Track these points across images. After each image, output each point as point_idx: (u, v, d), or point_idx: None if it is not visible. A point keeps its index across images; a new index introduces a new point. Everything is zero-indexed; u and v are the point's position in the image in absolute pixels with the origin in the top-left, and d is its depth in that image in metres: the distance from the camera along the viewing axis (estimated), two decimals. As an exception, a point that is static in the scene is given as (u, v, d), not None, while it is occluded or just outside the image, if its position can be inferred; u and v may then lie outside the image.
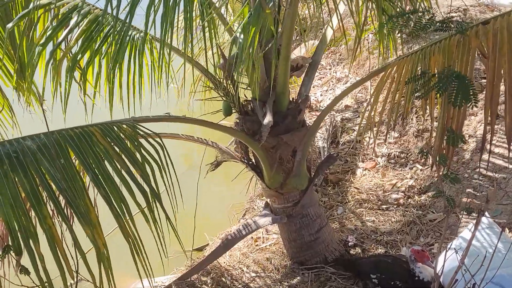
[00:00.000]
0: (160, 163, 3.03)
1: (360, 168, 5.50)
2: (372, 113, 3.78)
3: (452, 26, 2.69)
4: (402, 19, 2.93)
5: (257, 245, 4.79)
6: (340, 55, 7.93)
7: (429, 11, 2.84)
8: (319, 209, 4.22)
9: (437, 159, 2.77)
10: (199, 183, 5.03)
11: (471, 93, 2.49)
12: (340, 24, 3.78)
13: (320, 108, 6.86)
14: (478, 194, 4.39)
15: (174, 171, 3.07)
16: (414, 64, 3.32)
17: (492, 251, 3.37)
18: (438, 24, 2.71)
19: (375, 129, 5.06)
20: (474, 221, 3.95)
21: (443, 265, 2.98)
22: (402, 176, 5.11)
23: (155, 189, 2.95)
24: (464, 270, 2.70)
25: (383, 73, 3.58)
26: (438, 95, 2.70)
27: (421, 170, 5.08)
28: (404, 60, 3.39)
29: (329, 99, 6.96)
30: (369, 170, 5.40)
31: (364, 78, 3.86)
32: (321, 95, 7.22)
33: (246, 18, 2.79)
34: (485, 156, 4.43)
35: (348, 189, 5.21)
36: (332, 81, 7.40)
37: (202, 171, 4.39)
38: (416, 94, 3.10)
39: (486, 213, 3.98)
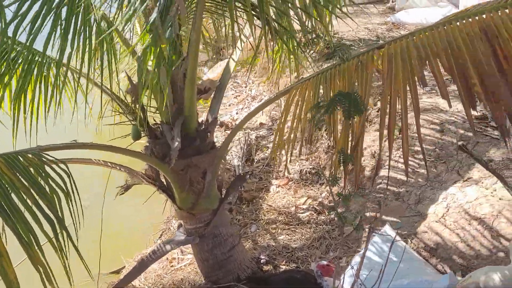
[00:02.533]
0: (66, 191, 3.02)
1: (274, 185, 5.64)
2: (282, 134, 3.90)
3: (336, 54, 2.84)
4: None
5: (172, 266, 4.81)
6: (255, 73, 8.10)
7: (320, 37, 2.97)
8: (231, 228, 4.30)
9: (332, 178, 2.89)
10: (116, 204, 5.01)
11: (360, 106, 2.67)
12: (253, 44, 3.89)
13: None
14: (378, 207, 4.60)
15: (79, 198, 3.07)
16: (316, 86, 3.45)
17: (392, 263, 3.56)
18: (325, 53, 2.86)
19: (286, 146, 5.21)
20: (379, 234, 4.17)
21: (343, 280, 3.11)
22: (313, 193, 5.28)
23: (62, 218, 2.93)
24: (360, 284, 2.84)
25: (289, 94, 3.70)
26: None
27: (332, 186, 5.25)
28: (306, 82, 3.52)
29: (244, 117, 7.07)
30: (282, 187, 5.54)
31: (269, 101, 3.99)
32: (236, 113, 7.35)
33: (144, 48, 2.84)
34: (385, 173, 4.67)
35: (262, 206, 5.33)
36: (247, 99, 7.55)
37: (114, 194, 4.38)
38: (313, 120, 3.23)
39: (388, 227, 4.19)
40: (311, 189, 5.35)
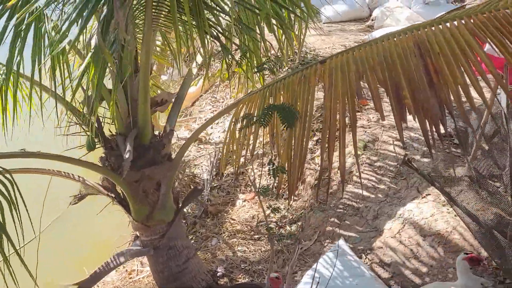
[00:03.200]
0: (10, 200, 3.04)
1: (240, 199, 5.64)
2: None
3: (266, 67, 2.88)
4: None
5: (130, 278, 4.81)
6: (234, 88, 8.13)
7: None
8: (187, 241, 4.30)
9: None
10: (84, 215, 5.01)
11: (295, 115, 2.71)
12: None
13: (209, 140, 7.00)
14: (341, 223, 4.61)
15: (24, 206, 3.08)
16: (263, 99, 3.47)
17: (343, 278, 3.57)
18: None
19: (256, 162, 5.24)
20: (333, 248, 4.18)
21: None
22: (277, 207, 5.28)
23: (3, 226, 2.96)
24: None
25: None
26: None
27: (294, 200, 5.26)
28: (254, 95, 3.55)
29: (218, 131, 7.12)
30: (248, 201, 5.55)
31: (219, 113, 4.03)
32: (211, 128, 7.36)
33: (86, 59, 2.87)
34: (347, 188, 4.69)
35: (226, 220, 5.33)
36: (224, 114, 7.57)
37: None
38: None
39: (341, 241, 4.20)
40: (276, 203, 5.35)
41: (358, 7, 9.47)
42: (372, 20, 9.14)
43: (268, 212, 4.38)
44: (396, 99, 2.82)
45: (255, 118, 2.86)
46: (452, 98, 2.75)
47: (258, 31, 3.97)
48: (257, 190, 3.14)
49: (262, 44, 4.10)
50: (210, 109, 7.93)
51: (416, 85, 2.76)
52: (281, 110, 2.71)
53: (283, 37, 4.42)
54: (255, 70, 3.62)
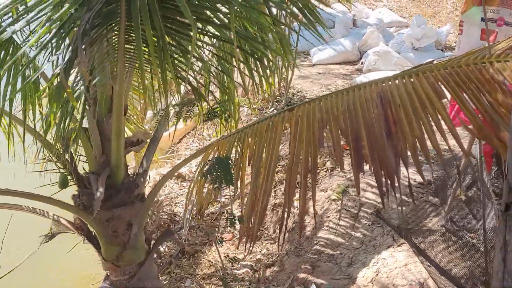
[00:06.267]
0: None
1: (218, 240, 5.60)
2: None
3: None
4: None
5: (97, 319, 4.75)
6: (217, 127, 8.16)
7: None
8: (157, 282, 4.25)
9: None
10: (59, 251, 4.96)
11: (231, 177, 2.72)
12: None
13: (192, 178, 6.97)
14: (314, 269, 4.57)
15: None
16: (231, 144, 3.50)
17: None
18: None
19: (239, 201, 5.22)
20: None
21: None
22: (254, 249, 5.24)
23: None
24: None
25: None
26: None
27: (271, 244, 5.23)
28: (223, 140, 3.57)
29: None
30: (226, 242, 5.51)
31: (192, 155, 4.04)
32: (195, 166, 7.35)
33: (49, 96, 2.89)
34: (323, 234, 4.67)
35: (202, 261, 5.28)
36: (209, 153, 7.59)
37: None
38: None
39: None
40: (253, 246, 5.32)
41: (349, 50, 9.56)
42: (362, 63, 9.22)
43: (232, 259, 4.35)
44: (355, 148, 2.85)
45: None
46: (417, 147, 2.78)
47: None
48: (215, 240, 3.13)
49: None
50: (196, 146, 7.95)
51: (374, 135, 2.79)
52: (221, 165, 2.74)
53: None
54: (205, 118, 3.67)
